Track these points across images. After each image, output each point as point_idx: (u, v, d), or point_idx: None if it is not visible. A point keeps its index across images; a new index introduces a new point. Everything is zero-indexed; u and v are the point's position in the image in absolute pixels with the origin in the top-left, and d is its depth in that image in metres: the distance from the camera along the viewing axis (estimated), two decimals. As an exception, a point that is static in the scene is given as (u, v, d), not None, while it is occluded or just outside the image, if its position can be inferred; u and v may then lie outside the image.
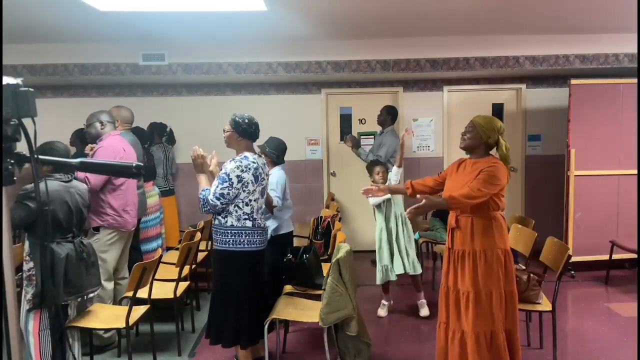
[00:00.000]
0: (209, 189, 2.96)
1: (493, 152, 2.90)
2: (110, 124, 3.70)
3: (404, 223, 4.11)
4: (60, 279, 2.83)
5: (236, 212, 2.97)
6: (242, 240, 2.98)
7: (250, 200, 2.99)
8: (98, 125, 3.63)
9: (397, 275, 4.07)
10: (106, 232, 3.55)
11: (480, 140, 2.81)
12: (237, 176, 2.92)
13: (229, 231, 2.97)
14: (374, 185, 3.84)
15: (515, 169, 6.33)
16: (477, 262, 2.77)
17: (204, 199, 2.95)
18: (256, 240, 3.03)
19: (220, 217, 3.00)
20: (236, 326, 3.01)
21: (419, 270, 4.15)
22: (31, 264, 2.84)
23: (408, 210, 2.73)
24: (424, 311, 4.14)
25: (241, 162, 2.96)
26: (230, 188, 2.91)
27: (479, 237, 2.77)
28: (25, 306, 2.84)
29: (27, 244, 2.87)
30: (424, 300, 4.19)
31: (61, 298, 2.87)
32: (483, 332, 2.76)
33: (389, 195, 3.85)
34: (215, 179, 3.00)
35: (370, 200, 3.96)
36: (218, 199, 2.91)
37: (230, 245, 2.98)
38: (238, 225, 2.97)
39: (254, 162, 2.99)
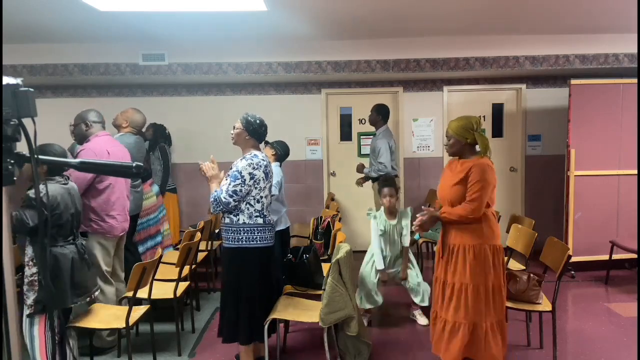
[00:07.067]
0: (220, 190, 2.99)
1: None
2: (97, 124, 3.58)
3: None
4: (68, 282, 2.84)
5: (248, 209, 3.01)
6: (254, 237, 3.02)
7: (261, 197, 3.05)
8: (83, 126, 3.53)
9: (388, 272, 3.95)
10: (93, 237, 3.47)
11: (461, 143, 2.97)
12: (250, 173, 2.97)
13: (241, 229, 3.00)
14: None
15: (515, 168, 6.34)
16: (467, 256, 2.86)
17: (216, 199, 2.97)
18: (267, 237, 3.07)
19: (231, 216, 3.02)
20: (252, 322, 3.05)
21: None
22: (34, 269, 2.79)
23: (414, 225, 3.02)
24: (423, 320, 4.00)
25: (252, 159, 3.01)
26: (242, 185, 2.95)
27: (469, 233, 2.88)
28: (25, 311, 2.80)
29: (30, 248, 2.81)
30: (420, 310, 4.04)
31: (69, 301, 2.89)
32: (464, 323, 2.85)
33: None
34: (225, 178, 3.05)
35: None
36: (231, 196, 2.94)
37: (243, 242, 3.01)
38: (250, 222, 3.01)
39: (263, 160, 3.07)
